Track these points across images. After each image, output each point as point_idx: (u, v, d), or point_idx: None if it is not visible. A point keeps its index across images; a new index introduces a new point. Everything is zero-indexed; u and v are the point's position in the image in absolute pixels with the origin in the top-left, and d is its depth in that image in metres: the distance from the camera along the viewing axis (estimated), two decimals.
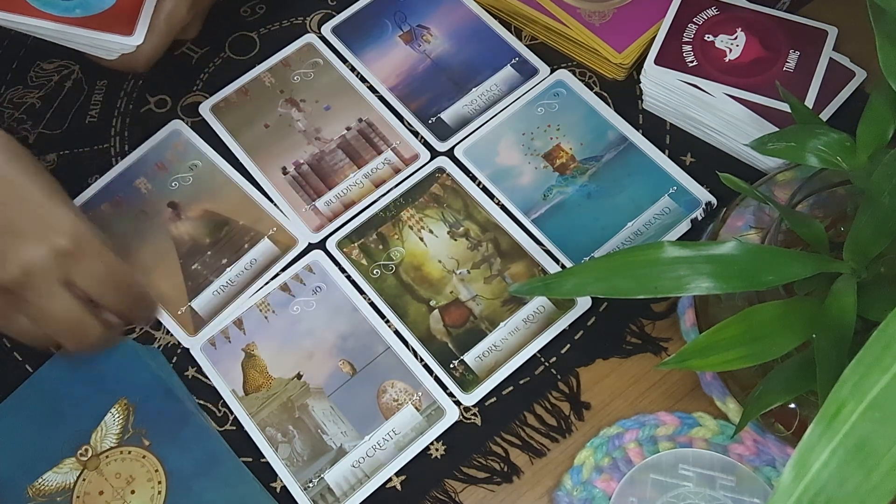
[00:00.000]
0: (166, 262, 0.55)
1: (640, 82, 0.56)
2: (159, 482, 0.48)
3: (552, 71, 0.59)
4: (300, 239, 0.55)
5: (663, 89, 0.55)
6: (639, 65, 0.57)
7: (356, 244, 0.55)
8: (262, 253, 0.55)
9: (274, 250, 0.55)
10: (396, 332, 0.52)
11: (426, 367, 0.51)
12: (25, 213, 0.42)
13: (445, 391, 0.50)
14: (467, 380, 0.50)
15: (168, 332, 0.53)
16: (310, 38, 0.62)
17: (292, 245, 0.55)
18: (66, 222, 0.43)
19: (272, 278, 0.54)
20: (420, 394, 0.50)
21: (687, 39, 0.55)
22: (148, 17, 0.51)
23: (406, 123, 0.59)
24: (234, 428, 0.50)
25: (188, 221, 0.57)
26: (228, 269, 0.55)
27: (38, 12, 0.50)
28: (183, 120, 0.60)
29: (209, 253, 0.55)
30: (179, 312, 0.54)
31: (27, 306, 0.42)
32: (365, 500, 0.48)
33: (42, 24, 0.50)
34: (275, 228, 0.56)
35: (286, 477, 0.49)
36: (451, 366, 0.51)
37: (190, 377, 0.52)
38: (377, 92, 0.60)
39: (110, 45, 0.51)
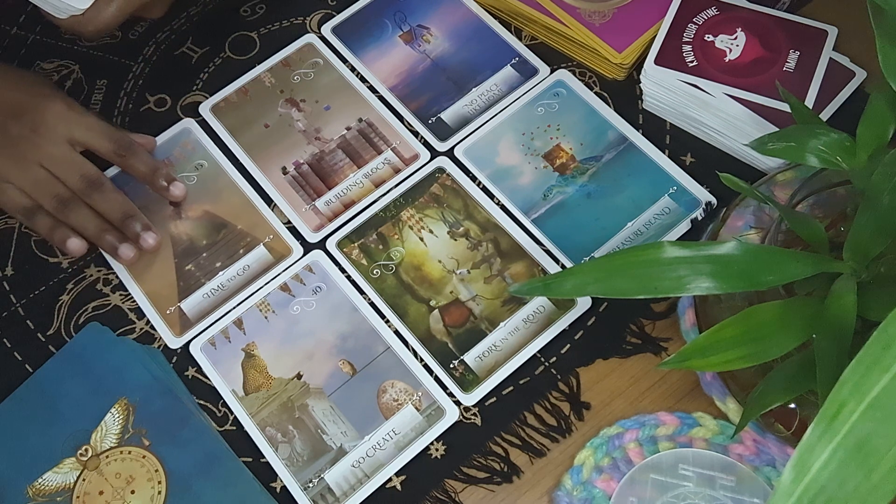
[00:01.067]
0: (161, 260, 0.55)
1: (640, 82, 0.56)
2: (159, 482, 0.48)
3: (552, 71, 0.59)
4: (295, 249, 0.55)
5: (663, 89, 0.55)
6: (639, 65, 0.57)
7: (356, 244, 0.55)
8: (256, 259, 0.55)
9: (268, 258, 0.55)
10: (396, 332, 0.52)
11: (426, 367, 0.51)
12: (34, 95, 0.55)
13: (445, 391, 0.50)
14: (467, 380, 0.50)
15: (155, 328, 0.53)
16: (310, 38, 0.62)
17: (287, 254, 0.55)
18: (59, 95, 0.56)
19: (263, 286, 0.54)
20: (420, 394, 0.50)
21: (687, 39, 0.55)
22: None
23: (406, 123, 0.59)
24: (234, 428, 0.50)
25: (188, 221, 0.57)
26: (221, 273, 0.55)
27: None
28: (194, 119, 0.60)
29: (204, 255, 0.55)
30: (168, 312, 0.54)
31: (28, 160, 0.54)
32: (365, 500, 0.48)
33: None
34: (271, 236, 0.56)
35: (286, 477, 0.49)
36: (451, 366, 0.51)
37: (190, 377, 0.52)
38: (377, 92, 0.60)
39: (57, 3, 0.50)
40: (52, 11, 0.52)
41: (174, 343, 0.53)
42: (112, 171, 0.58)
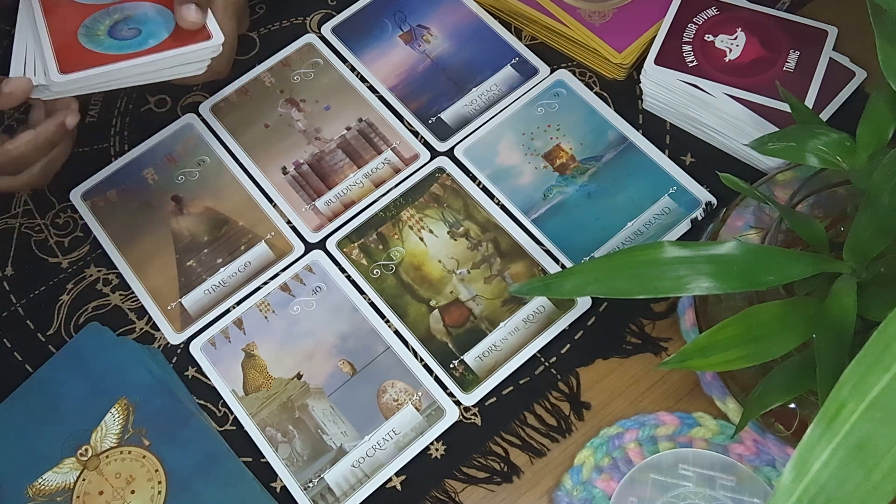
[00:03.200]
0: (163, 256, 0.55)
1: (640, 82, 0.56)
2: (159, 482, 0.48)
3: (552, 71, 0.59)
4: (297, 247, 0.55)
5: (663, 89, 0.55)
6: (639, 65, 0.57)
7: (356, 244, 0.55)
8: (258, 256, 0.55)
9: (269, 255, 0.55)
10: (396, 332, 0.52)
11: (426, 367, 0.51)
12: None
13: (445, 391, 0.50)
14: (467, 380, 0.50)
15: (156, 326, 0.53)
16: (310, 38, 0.63)
17: (288, 251, 0.55)
18: None
19: (264, 283, 0.54)
20: (420, 394, 0.50)
21: (687, 39, 0.55)
22: (212, 18, 0.50)
23: (406, 123, 0.59)
24: (234, 428, 0.50)
25: (189, 217, 0.57)
26: (222, 269, 0.55)
27: (118, 56, 0.47)
28: (199, 116, 0.60)
29: (206, 251, 0.55)
30: (169, 308, 0.54)
31: None
32: (365, 500, 0.48)
33: (133, 62, 0.47)
34: (273, 233, 0.56)
35: (286, 477, 0.49)
36: (451, 366, 0.51)
37: (190, 377, 0.52)
38: (377, 92, 0.60)
39: (202, 54, 0.49)
40: (193, 72, 0.50)
41: (175, 339, 0.53)
42: (99, 177, 0.58)
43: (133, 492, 0.48)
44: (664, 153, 0.56)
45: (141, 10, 0.50)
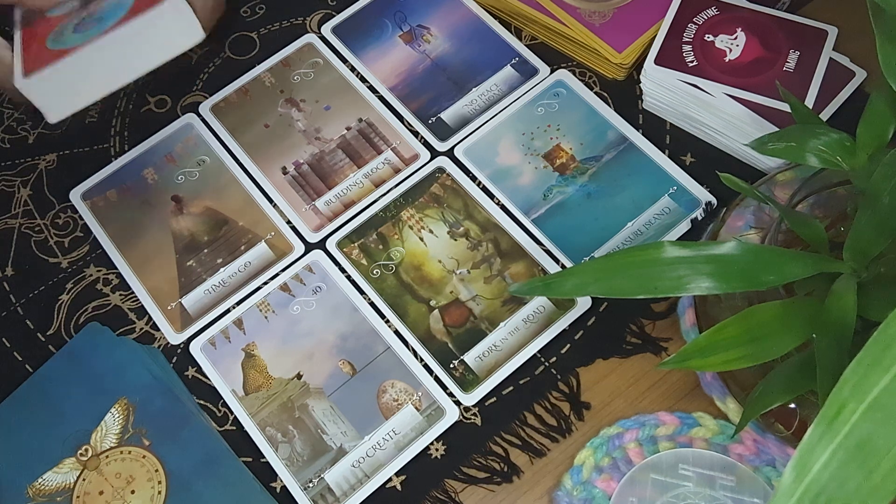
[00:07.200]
0: (163, 256, 0.55)
1: (640, 82, 0.56)
2: (159, 482, 0.48)
3: (552, 71, 0.59)
4: (297, 247, 0.55)
5: (663, 89, 0.55)
6: (639, 65, 0.57)
7: (356, 244, 0.55)
8: (258, 256, 0.55)
9: (269, 255, 0.55)
10: (396, 332, 0.52)
11: (426, 367, 0.51)
12: None
13: (445, 391, 0.50)
14: (467, 380, 0.50)
15: (156, 326, 0.53)
16: (310, 38, 0.63)
17: (288, 252, 0.55)
18: None
19: (264, 283, 0.54)
20: (420, 394, 0.50)
21: (687, 39, 0.55)
22: None
23: (406, 123, 0.59)
24: (234, 428, 0.50)
25: (189, 217, 0.57)
26: (222, 270, 0.55)
27: (78, 46, 0.44)
28: (198, 115, 0.60)
29: (206, 251, 0.55)
30: (169, 308, 0.54)
31: None
32: (365, 500, 0.48)
33: (94, 45, 0.43)
34: (273, 233, 0.56)
35: (286, 477, 0.49)
36: (451, 366, 0.51)
37: (190, 377, 0.52)
38: (377, 92, 0.60)
39: (166, 19, 0.43)
40: (175, 41, 0.45)
41: (175, 339, 0.53)
42: (99, 177, 0.58)
43: (133, 492, 0.48)
44: (664, 153, 0.56)
45: (106, 2, 0.46)
